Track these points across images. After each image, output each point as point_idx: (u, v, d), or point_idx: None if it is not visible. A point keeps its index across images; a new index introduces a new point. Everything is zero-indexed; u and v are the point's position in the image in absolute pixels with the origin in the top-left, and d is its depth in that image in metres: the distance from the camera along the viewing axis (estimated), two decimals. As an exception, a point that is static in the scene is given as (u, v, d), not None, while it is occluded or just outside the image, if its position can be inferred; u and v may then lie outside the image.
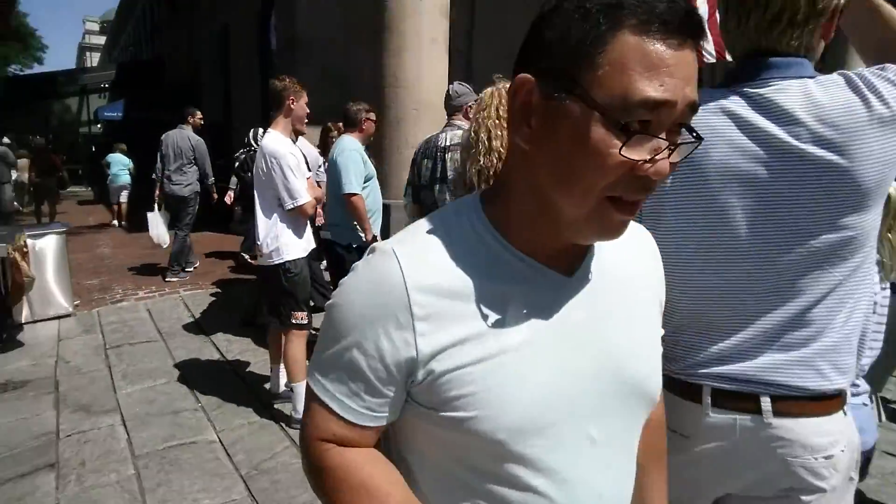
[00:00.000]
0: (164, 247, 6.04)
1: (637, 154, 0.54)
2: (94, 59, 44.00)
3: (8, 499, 2.40)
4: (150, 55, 20.95)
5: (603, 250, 0.69)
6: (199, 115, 6.36)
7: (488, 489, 0.64)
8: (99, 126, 17.93)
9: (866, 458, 1.41)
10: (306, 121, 3.22)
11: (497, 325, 0.62)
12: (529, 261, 0.64)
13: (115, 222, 10.04)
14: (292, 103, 2.99)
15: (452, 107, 3.12)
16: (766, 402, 0.94)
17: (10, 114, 17.56)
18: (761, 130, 0.92)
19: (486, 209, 0.66)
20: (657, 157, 0.54)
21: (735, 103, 0.94)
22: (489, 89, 2.62)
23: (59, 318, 4.75)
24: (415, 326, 0.60)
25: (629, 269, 0.72)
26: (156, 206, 6.15)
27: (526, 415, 0.62)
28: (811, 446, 0.93)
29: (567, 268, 0.66)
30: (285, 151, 2.92)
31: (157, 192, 6.23)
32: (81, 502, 2.37)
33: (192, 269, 6.39)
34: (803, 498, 0.95)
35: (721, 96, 0.96)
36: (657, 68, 0.52)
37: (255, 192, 3.05)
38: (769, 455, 0.95)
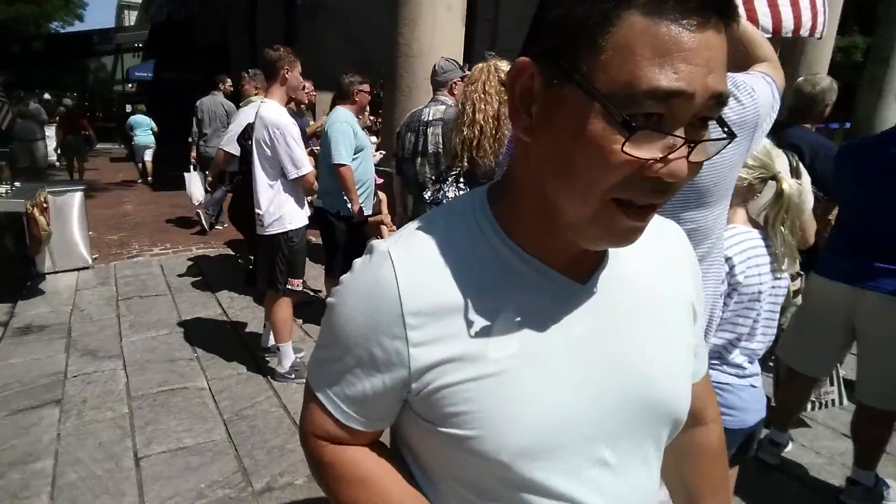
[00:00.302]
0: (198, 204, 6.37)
1: (645, 152, 0.47)
2: (131, 18, 44.53)
3: (17, 427, 2.71)
4: (184, 14, 21.16)
5: (623, 253, 0.62)
6: (229, 82, 6.82)
7: None
8: (131, 85, 18.36)
9: (749, 435, 1.53)
10: (304, 90, 3.35)
11: (500, 338, 0.57)
12: (540, 265, 0.58)
13: (140, 180, 10.43)
14: (287, 73, 3.10)
15: (437, 82, 3.22)
16: None
17: (50, 70, 18.10)
18: None
19: (492, 207, 0.60)
20: (671, 157, 0.47)
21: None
22: (479, 65, 2.72)
23: (78, 270, 5.09)
24: (407, 337, 0.57)
25: (654, 275, 0.65)
26: (191, 167, 6.63)
27: (531, 436, 0.57)
28: None
29: (581, 275, 0.60)
30: (287, 121, 3.03)
31: (193, 153, 6.80)
32: (79, 434, 2.66)
33: (221, 226, 6.60)
34: None
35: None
36: (670, 53, 0.44)
37: (254, 161, 3.15)
38: None
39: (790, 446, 2.77)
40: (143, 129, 10.15)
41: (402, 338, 0.57)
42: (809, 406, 2.75)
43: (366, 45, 8.57)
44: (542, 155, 0.53)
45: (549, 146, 0.51)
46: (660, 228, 0.66)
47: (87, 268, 5.15)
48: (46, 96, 15.47)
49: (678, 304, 0.67)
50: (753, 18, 7.68)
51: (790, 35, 8.36)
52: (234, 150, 4.37)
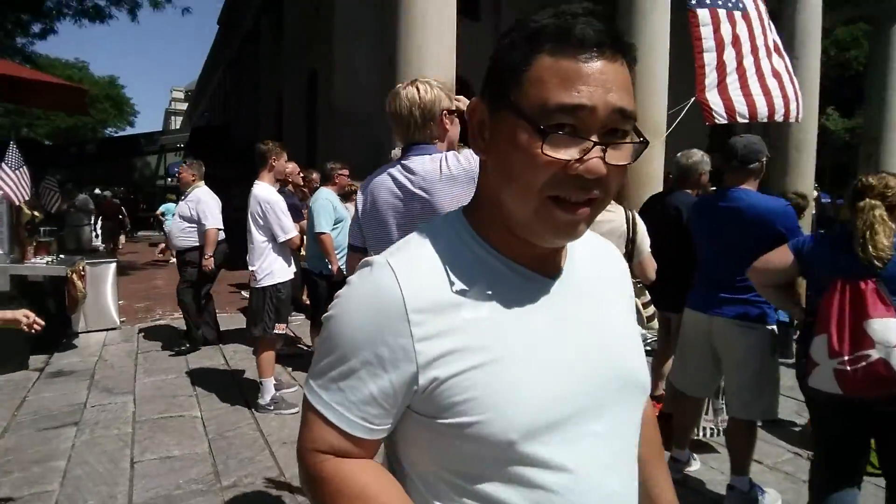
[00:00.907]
0: None
1: (563, 154, 0.59)
2: (177, 123, 49.00)
3: (42, 438, 3.33)
4: (222, 120, 23.52)
5: (576, 258, 0.75)
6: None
7: (490, 493, 0.65)
8: (170, 179, 20.21)
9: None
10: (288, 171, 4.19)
11: (493, 328, 0.64)
12: (513, 264, 0.68)
13: (172, 260, 11.50)
14: (274, 161, 3.95)
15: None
16: None
17: (102, 168, 20.13)
18: (400, 182, 1.72)
19: (468, 219, 0.71)
20: (586, 157, 0.59)
21: (395, 168, 1.75)
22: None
23: (107, 329, 5.85)
24: (412, 333, 0.62)
25: (602, 274, 0.78)
26: None
27: (536, 413, 0.63)
28: None
29: (548, 271, 0.71)
30: (276, 198, 3.85)
31: None
32: (89, 444, 3.26)
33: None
34: None
35: (390, 166, 1.77)
36: (571, 79, 0.58)
37: (249, 229, 3.89)
38: None
39: (697, 466, 3.14)
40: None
41: (406, 335, 0.62)
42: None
43: (376, 142, 9.69)
44: (493, 167, 0.66)
45: (497, 159, 0.65)
46: (604, 247, 0.84)
47: (115, 328, 5.90)
48: (97, 191, 17.26)
49: (623, 295, 0.81)
50: (730, 108, 8.72)
51: (766, 120, 9.40)
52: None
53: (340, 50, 9.96)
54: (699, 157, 3.50)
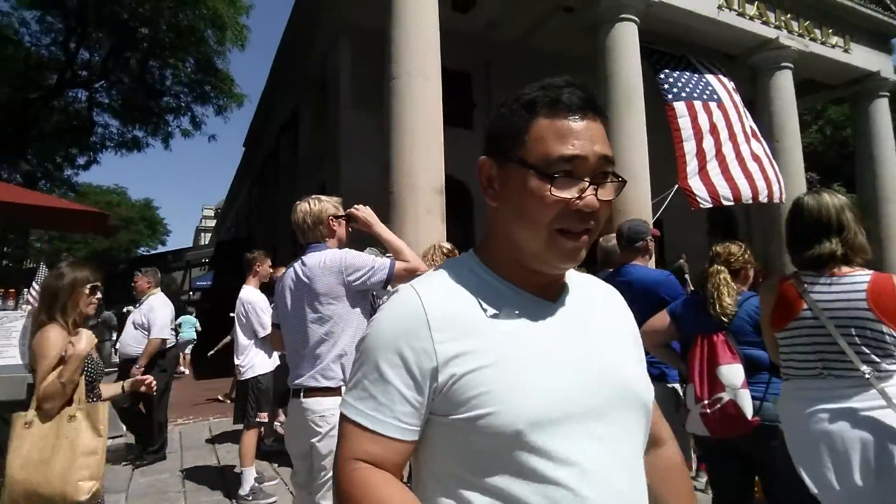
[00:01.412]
0: None
1: (566, 193, 0.75)
2: (206, 239, 51.66)
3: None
4: (246, 233, 24.99)
5: (575, 292, 0.87)
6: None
7: (501, 487, 0.72)
8: (192, 293, 21.24)
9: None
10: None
11: (502, 335, 0.76)
12: (518, 289, 0.81)
13: (185, 371, 11.95)
14: (258, 267, 4.53)
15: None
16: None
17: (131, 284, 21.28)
18: (297, 272, 2.23)
19: (479, 256, 0.85)
20: (584, 195, 0.75)
21: (297, 262, 2.27)
22: (428, 245, 4.02)
23: (112, 437, 6.19)
24: (433, 336, 0.75)
25: (601, 305, 0.90)
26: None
27: (542, 407, 0.73)
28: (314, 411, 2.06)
29: (550, 297, 0.83)
30: (258, 299, 4.40)
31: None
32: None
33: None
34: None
35: (296, 261, 2.28)
36: (565, 135, 0.75)
37: (235, 329, 4.45)
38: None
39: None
40: (188, 327, 12.12)
41: (427, 338, 0.75)
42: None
43: (371, 239, 10.38)
44: (505, 211, 0.80)
45: (508, 204, 0.79)
46: (604, 288, 0.95)
47: (120, 435, 6.24)
48: (125, 309, 18.20)
49: (626, 332, 0.91)
50: (714, 192, 9.35)
51: (750, 201, 10.04)
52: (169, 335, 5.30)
53: (346, 162, 11.00)
54: (613, 243, 3.95)
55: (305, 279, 2.22)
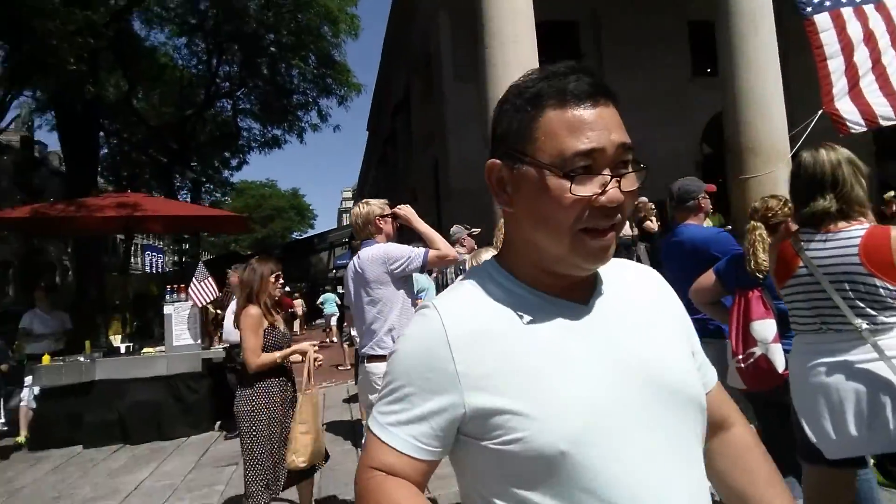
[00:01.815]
0: None
1: (587, 190, 0.69)
2: (346, 220, 55.76)
3: (214, 472, 4.54)
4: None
5: (606, 287, 0.80)
6: None
7: None
8: (335, 270, 23.31)
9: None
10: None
11: (531, 348, 0.71)
12: (543, 295, 0.76)
13: (329, 340, 13.46)
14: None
15: (451, 240, 4.86)
16: None
17: (286, 267, 23.92)
18: (355, 262, 2.60)
19: (500, 263, 0.81)
20: (607, 189, 0.69)
21: (355, 257, 2.64)
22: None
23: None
24: (453, 357, 0.71)
25: (638, 297, 0.82)
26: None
27: (579, 423, 0.68)
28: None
29: (580, 299, 0.77)
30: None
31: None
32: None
33: None
34: None
35: (353, 257, 2.65)
36: (578, 128, 0.69)
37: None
38: None
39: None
40: (330, 303, 13.69)
41: (448, 359, 0.71)
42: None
43: (489, 212, 10.64)
44: (522, 215, 0.75)
45: (525, 208, 0.74)
46: (642, 272, 0.88)
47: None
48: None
49: (668, 319, 0.83)
50: (869, 112, 8.31)
51: None
52: None
53: (453, 135, 11.35)
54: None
55: (360, 270, 2.64)
